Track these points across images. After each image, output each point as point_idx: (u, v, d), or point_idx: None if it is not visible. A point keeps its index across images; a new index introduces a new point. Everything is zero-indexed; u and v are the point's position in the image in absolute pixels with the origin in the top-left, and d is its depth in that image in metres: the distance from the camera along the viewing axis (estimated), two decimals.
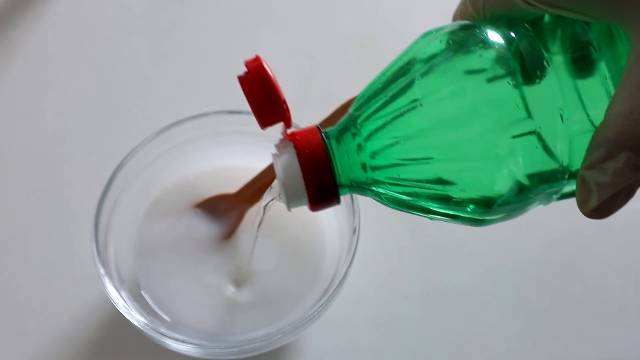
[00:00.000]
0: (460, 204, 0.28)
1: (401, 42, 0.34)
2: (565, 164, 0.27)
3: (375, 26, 0.59)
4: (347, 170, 0.30)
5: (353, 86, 0.42)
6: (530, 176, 0.27)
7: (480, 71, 0.27)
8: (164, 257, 0.44)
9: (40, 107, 0.55)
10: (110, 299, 0.39)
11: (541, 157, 0.27)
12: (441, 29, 0.30)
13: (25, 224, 0.49)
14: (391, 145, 0.28)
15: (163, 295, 0.43)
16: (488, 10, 0.30)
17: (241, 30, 0.59)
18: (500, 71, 0.27)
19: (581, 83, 0.28)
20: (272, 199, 0.36)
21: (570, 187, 0.29)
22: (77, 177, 0.51)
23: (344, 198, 0.43)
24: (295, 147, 0.29)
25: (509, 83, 0.27)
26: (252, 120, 0.37)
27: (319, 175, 0.29)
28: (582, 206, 0.27)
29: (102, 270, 0.40)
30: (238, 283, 0.44)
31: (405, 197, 0.29)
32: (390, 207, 0.31)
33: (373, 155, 0.29)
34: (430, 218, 0.30)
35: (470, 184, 0.28)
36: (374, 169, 0.29)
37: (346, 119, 0.30)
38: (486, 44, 0.28)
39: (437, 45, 0.29)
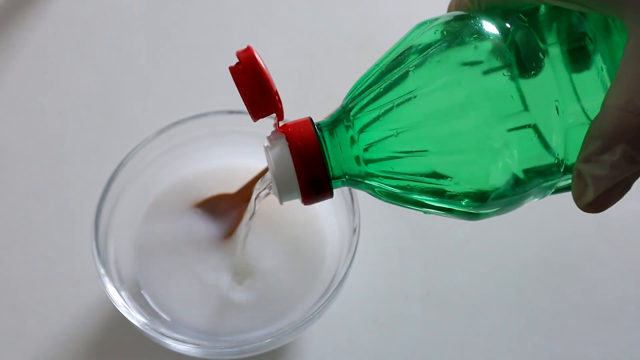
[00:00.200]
0: (454, 197, 0.28)
1: None
2: (560, 157, 0.27)
3: (375, 26, 0.59)
4: (340, 163, 0.29)
5: None
6: (526, 169, 0.27)
7: (476, 63, 0.27)
8: (164, 257, 0.44)
9: (40, 107, 0.55)
10: (110, 299, 0.39)
11: (537, 150, 0.27)
12: (436, 19, 0.29)
13: (25, 224, 0.49)
14: (385, 137, 0.28)
15: (163, 295, 0.43)
16: (483, 1, 0.30)
17: (241, 30, 0.59)
18: (496, 63, 0.27)
19: (577, 75, 0.27)
20: (264, 189, 0.36)
21: (566, 180, 0.29)
22: (77, 177, 0.51)
23: (345, 198, 0.43)
24: (288, 139, 0.29)
25: (504, 75, 0.27)
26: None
27: (312, 168, 0.29)
28: (578, 200, 0.26)
29: (102, 270, 0.40)
30: (238, 279, 0.43)
31: (399, 191, 0.29)
32: (384, 200, 0.30)
33: (367, 147, 0.29)
34: (425, 212, 0.30)
35: (464, 177, 0.28)
36: (367, 162, 0.29)
37: (339, 111, 0.30)
38: (481, 35, 0.28)
39: (431, 36, 0.28)
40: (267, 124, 0.32)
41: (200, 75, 0.57)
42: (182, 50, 0.58)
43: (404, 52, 0.29)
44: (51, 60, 0.58)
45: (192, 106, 0.49)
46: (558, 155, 0.27)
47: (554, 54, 0.27)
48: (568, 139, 0.27)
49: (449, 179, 0.28)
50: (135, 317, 0.39)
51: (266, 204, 0.41)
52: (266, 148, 0.30)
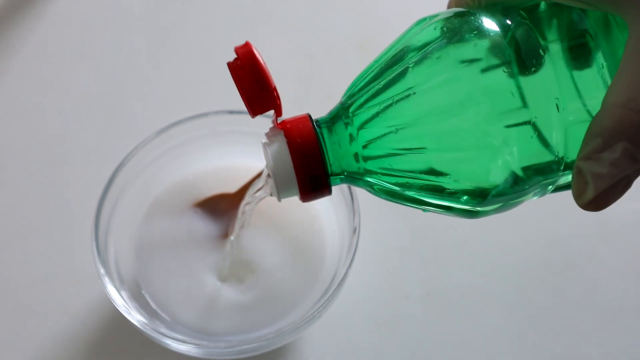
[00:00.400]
0: (453, 194, 0.28)
1: None
2: (560, 154, 0.27)
3: (375, 26, 0.59)
4: (338, 160, 0.29)
5: None
6: (525, 167, 0.27)
7: (476, 60, 0.27)
8: (164, 257, 0.44)
9: (40, 107, 0.55)
10: (110, 299, 0.39)
11: (536, 147, 0.27)
12: (435, 16, 0.29)
13: (25, 224, 0.49)
14: (384, 134, 0.28)
15: (163, 295, 0.43)
16: None
17: (241, 30, 0.59)
18: (496, 60, 0.27)
19: (577, 72, 0.27)
20: (261, 187, 0.36)
21: (566, 178, 0.29)
22: (77, 177, 0.51)
23: (345, 198, 0.43)
24: (286, 135, 0.29)
25: (504, 71, 0.27)
26: (252, 120, 0.37)
27: (310, 164, 0.29)
28: (578, 198, 0.26)
29: (102, 270, 0.40)
30: (238, 279, 0.43)
31: (397, 188, 0.29)
32: (382, 198, 0.30)
33: (365, 144, 0.29)
34: (423, 209, 0.30)
35: (464, 174, 0.28)
36: (366, 159, 0.29)
37: (338, 108, 0.30)
38: (481, 31, 0.28)
39: (431, 32, 0.28)
40: (268, 124, 0.32)
41: (200, 75, 0.57)
42: (182, 50, 0.58)
43: (403, 48, 0.28)
44: (51, 60, 0.58)
45: (192, 106, 0.49)
46: (558, 152, 0.27)
47: (555, 50, 0.27)
48: (568, 137, 0.27)
49: (448, 176, 0.28)
50: (135, 317, 0.39)
51: (266, 204, 0.41)
52: (264, 144, 0.30)
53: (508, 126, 0.26)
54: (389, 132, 0.28)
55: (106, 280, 0.40)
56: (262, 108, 0.29)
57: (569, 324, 0.45)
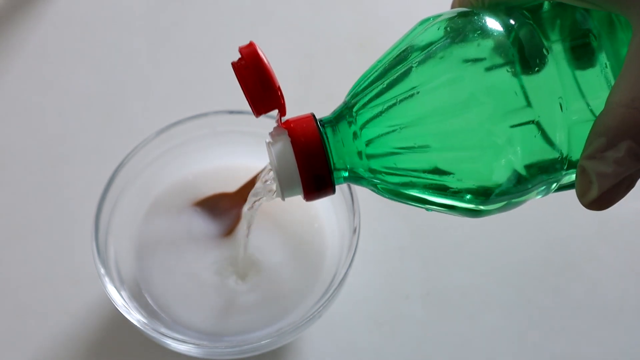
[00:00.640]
0: (457, 193, 0.28)
1: None
2: (564, 153, 0.27)
3: (375, 26, 0.59)
4: (342, 159, 0.29)
5: None
6: (529, 166, 0.27)
7: (479, 59, 0.27)
8: (164, 257, 0.44)
9: (40, 107, 0.55)
10: (110, 299, 0.39)
11: (540, 146, 0.27)
12: (439, 16, 0.29)
13: (25, 224, 0.49)
14: (388, 133, 0.28)
15: (163, 295, 0.43)
16: None
17: (241, 30, 0.59)
18: (499, 59, 0.27)
19: (581, 72, 0.27)
20: (266, 181, 0.36)
21: (569, 177, 0.29)
22: (77, 177, 0.51)
23: (345, 198, 0.43)
24: (290, 135, 0.29)
25: (507, 71, 0.27)
26: (252, 120, 0.37)
27: (314, 164, 0.29)
28: (582, 197, 0.26)
29: (102, 270, 0.40)
30: (238, 279, 0.43)
31: (401, 187, 0.29)
32: (386, 197, 0.30)
33: (369, 143, 0.29)
34: (427, 209, 0.30)
35: (467, 173, 0.28)
36: (370, 157, 0.29)
37: (342, 107, 0.30)
38: (485, 31, 0.28)
39: (435, 32, 0.28)
40: (268, 123, 0.32)
41: (200, 75, 0.57)
42: (182, 50, 0.58)
43: (407, 48, 0.29)
44: (51, 60, 0.58)
45: (192, 106, 0.49)
46: (562, 151, 0.27)
47: (558, 50, 0.27)
48: (572, 136, 0.27)
49: (452, 175, 0.28)
50: (135, 317, 0.39)
51: (266, 203, 0.41)
52: (268, 144, 0.30)
53: (512, 125, 0.26)
54: (393, 131, 0.28)
55: (106, 280, 0.40)
56: (266, 108, 0.29)
57: (569, 324, 0.45)
